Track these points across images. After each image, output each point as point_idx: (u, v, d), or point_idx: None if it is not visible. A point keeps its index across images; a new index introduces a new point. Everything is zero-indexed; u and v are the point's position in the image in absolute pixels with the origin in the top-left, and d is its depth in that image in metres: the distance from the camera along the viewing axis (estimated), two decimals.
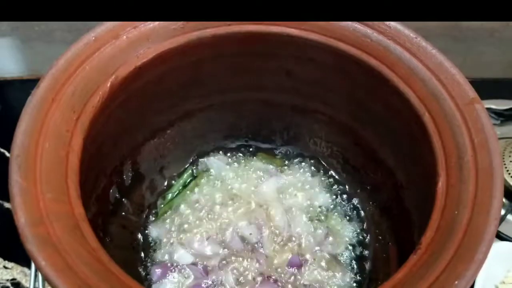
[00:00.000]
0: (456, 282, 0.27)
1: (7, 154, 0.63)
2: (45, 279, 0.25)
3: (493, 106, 0.70)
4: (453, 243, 0.29)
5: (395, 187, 0.47)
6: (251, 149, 0.57)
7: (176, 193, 0.53)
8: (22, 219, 0.27)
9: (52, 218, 0.28)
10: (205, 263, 0.47)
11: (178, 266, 0.47)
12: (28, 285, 0.54)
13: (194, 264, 0.47)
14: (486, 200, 0.30)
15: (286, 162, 0.56)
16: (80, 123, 0.35)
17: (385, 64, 0.40)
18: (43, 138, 0.32)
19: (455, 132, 0.35)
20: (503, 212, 0.58)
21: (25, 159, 0.30)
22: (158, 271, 0.46)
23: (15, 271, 0.56)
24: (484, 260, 0.28)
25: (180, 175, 0.54)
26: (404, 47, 0.39)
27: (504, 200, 0.60)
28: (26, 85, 0.69)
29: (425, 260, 0.29)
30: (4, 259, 0.56)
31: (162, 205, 0.52)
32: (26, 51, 0.70)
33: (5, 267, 0.56)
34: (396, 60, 0.39)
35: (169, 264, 0.47)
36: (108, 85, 0.37)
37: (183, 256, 0.47)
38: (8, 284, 0.55)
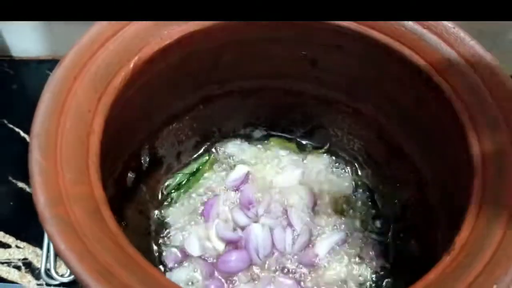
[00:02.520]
0: (495, 286, 0.25)
1: (22, 133, 0.62)
2: (64, 263, 0.24)
3: None
4: (490, 244, 0.27)
5: (419, 184, 0.45)
6: (271, 139, 0.55)
7: (190, 176, 0.52)
8: (41, 199, 0.26)
9: (72, 199, 0.27)
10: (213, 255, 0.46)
11: (190, 256, 0.46)
12: (39, 266, 0.54)
13: (201, 257, 0.46)
14: None
15: (306, 153, 0.55)
16: (102, 104, 0.33)
17: (419, 54, 0.38)
18: (64, 117, 0.31)
19: (493, 129, 0.33)
20: None
21: (45, 138, 0.29)
22: (172, 258, 0.46)
23: (27, 251, 0.55)
24: None
25: (196, 159, 0.53)
26: (441, 37, 0.37)
27: None
28: (42, 66, 0.69)
29: (459, 261, 0.28)
30: (17, 239, 0.56)
31: (176, 188, 0.51)
32: (44, 32, 0.69)
33: (17, 247, 0.56)
34: (431, 51, 0.37)
35: (182, 253, 0.46)
36: (131, 66, 0.36)
37: (193, 246, 0.46)
38: (20, 263, 0.55)
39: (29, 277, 0.54)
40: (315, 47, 0.44)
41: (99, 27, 0.36)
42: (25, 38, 0.71)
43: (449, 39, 0.37)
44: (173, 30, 0.38)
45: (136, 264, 0.26)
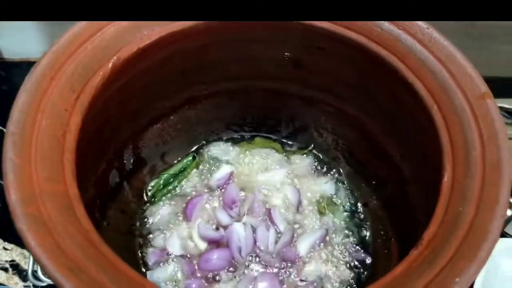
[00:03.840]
0: (457, 279, 0.26)
1: None
2: (34, 259, 0.25)
3: (505, 105, 0.68)
4: (455, 239, 0.28)
5: (401, 183, 0.46)
6: (255, 139, 0.56)
7: (175, 177, 0.52)
8: (13, 197, 0.27)
9: (45, 197, 0.28)
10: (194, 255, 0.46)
11: (172, 255, 0.46)
12: (26, 267, 0.54)
13: (183, 256, 0.47)
14: (492, 197, 0.29)
15: (291, 152, 0.55)
16: (79, 103, 0.34)
17: (395, 54, 0.38)
18: (40, 116, 0.31)
19: (464, 126, 0.33)
20: (510, 213, 0.56)
21: (20, 137, 0.30)
22: (153, 257, 0.46)
23: (15, 253, 0.56)
24: (487, 258, 0.26)
25: (181, 160, 0.54)
26: (416, 38, 0.38)
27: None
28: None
29: (426, 255, 0.28)
30: (4, 241, 0.56)
31: (160, 189, 0.51)
32: (35, 34, 0.70)
33: (4, 248, 0.56)
34: (406, 51, 0.38)
35: (164, 251, 0.47)
36: (110, 66, 0.36)
37: (174, 245, 0.46)
38: (7, 265, 0.55)
39: (16, 278, 0.54)
40: (296, 48, 0.45)
41: (78, 28, 0.36)
42: (16, 40, 0.71)
43: (423, 40, 0.37)
44: (153, 31, 0.39)
45: (108, 261, 0.27)
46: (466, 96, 0.34)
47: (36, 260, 0.25)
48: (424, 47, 0.37)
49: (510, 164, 0.31)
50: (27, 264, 0.54)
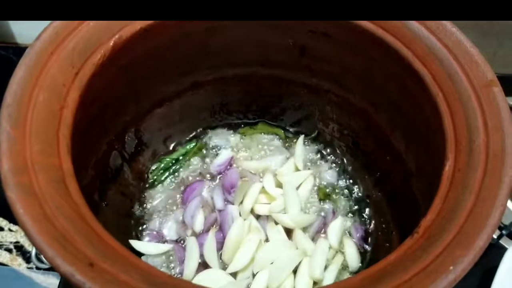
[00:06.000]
0: (451, 267, 0.25)
1: None
2: (21, 227, 0.25)
3: None
4: (453, 227, 0.27)
5: (405, 175, 0.45)
6: (259, 124, 0.55)
7: (176, 162, 0.52)
8: (5, 167, 0.27)
9: (37, 168, 0.28)
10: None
11: (167, 239, 0.46)
12: (30, 249, 0.55)
13: (177, 240, 0.46)
14: (494, 186, 0.28)
15: (293, 139, 0.54)
16: (78, 79, 0.34)
17: (401, 41, 0.37)
18: (38, 90, 0.31)
19: (469, 114, 0.32)
20: None
21: (16, 109, 0.30)
22: (148, 239, 0.46)
23: (19, 235, 0.56)
24: (485, 247, 0.26)
25: (183, 145, 0.53)
26: (423, 24, 0.37)
27: None
28: None
29: (421, 243, 0.27)
30: (10, 222, 0.57)
31: (161, 173, 0.51)
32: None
33: (10, 230, 0.57)
34: (413, 37, 0.37)
35: (159, 235, 0.46)
36: (111, 44, 0.36)
37: (171, 230, 0.46)
38: (12, 246, 0.56)
39: (19, 260, 0.55)
40: (303, 34, 0.44)
41: None
42: (30, 26, 0.72)
43: (430, 26, 0.36)
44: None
45: (96, 235, 0.27)
46: (472, 83, 0.33)
47: (22, 228, 0.25)
48: (431, 33, 0.36)
49: None
50: (31, 246, 0.54)
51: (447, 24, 0.36)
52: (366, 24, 0.39)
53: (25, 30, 0.73)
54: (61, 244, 0.24)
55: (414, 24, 0.37)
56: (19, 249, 0.55)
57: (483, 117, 0.32)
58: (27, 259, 0.54)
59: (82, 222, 0.27)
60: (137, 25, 0.38)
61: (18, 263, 0.54)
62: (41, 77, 0.32)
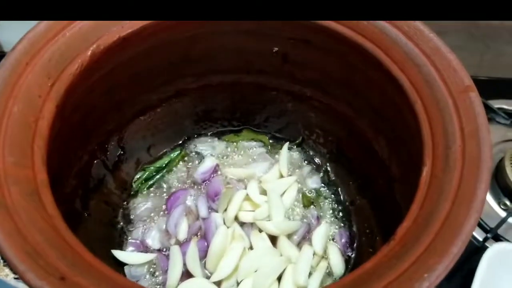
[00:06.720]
0: (426, 275, 0.25)
1: None
2: None
3: (504, 106, 0.67)
4: (428, 234, 0.27)
5: (388, 180, 0.45)
6: (243, 131, 0.55)
7: (160, 170, 0.51)
8: None
9: (10, 181, 0.28)
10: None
11: (150, 248, 0.46)
12: None
13: (160, 250, 0.46)
14: (470, 192, 0.28)
15: (278, 146, 0.54)
16: (55, 90, 0.33)
17: (380, 47, 0.37)
18: (12, 101, 0.31)
19: (446, 120, 0.32)
20: (504, 214, 0.55)
21: None
22: (131, 248, 0.45)
23: None
24: (459, 254, 0.26)
25: (167, 153, 0.53)
26: (401, 30, 0.37)
27: (508, 202, 0.57)
28: None
29: (397, 250, 0.27)
30: None
31: (144, 181, 0.51)
32: None
33: None
34: (391, 44, 0.37)
35: (143, 244, 0.46)
36: (89, 53, 0.36)
37: (154, 239, 0.46)
38: None
39: (6, 270, 0.54)
40: (285, 41, 0.44)
41: None
42: (17, 34, 0.71)
43: (408, 32, 0.36)
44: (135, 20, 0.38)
45: (69, 247, 0.26)
46: (449, 89, 0.33)
47: None
48: (409, 40, 0.36)
49: (490, 159, 0.29)
50: None
51: (425, 29, 0.36)
52: (345, 30, 0.39)
53: (12, 39, 0.73)
54: (33, 259, 0.24)
55: (392, 30, 0.37)
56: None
57: (459, 123, 0.32)
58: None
59: (55, 235, 0.26)
60: (114, 34, 0.38)
61: (5, 274, 0.54)
62: (15, 88, 0.32)
